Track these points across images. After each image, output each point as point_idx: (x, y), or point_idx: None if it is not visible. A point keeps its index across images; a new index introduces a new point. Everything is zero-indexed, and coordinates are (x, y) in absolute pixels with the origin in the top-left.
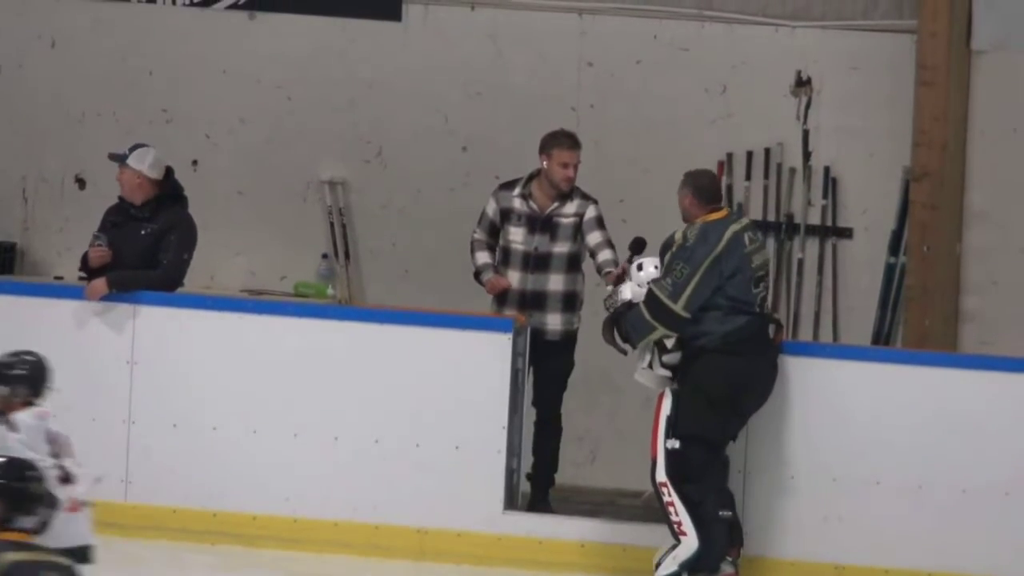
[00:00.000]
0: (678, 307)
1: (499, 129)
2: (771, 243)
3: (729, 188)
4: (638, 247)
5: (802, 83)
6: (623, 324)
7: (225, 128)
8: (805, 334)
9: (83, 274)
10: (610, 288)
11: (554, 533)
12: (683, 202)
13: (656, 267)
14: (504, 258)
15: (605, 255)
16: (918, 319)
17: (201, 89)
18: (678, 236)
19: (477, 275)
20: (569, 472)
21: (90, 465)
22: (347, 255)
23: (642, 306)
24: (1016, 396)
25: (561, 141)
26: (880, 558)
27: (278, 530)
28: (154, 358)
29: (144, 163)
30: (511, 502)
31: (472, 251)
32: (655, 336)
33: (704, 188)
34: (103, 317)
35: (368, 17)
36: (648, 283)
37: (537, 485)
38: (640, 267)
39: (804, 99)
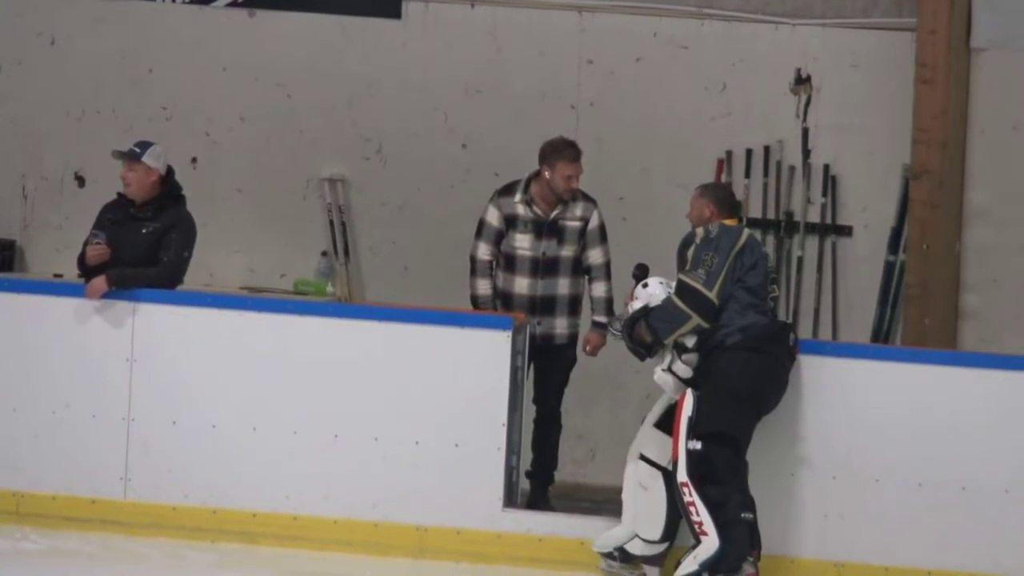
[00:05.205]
0: (713, 294)
1: (499, 127)
2: (771, 241)
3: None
4: (642, 273)
5: (802, 81)
6: (640, 326)
7: (225, 126)
8: (804, 332)
9: (80, 272)
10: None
11: (554, 530)
12: (702, 212)
13: (661, 283)
14: (509, 264)
15: (599, 291)
16: (918, 317)
17: (201, 87)
18: (699, 231)
19: (474, 300)
20: (569, 470)
21: (90, 462)
22: (347, 253)
23: (674, 298)
24: (1016, 394)
25: (565, 153)
26: (880, 556)
27: (278, 527)
28: (154, 355)
29: (159, 162)
30: (511, 500)
31: (473, 273)
32: (687, 328)
33: (724, 200)
34: (103, 314)
35: (368, 15)
36: (678, 276)
37: (537, 482)
38: (646, 285)
39: (804, 97)
